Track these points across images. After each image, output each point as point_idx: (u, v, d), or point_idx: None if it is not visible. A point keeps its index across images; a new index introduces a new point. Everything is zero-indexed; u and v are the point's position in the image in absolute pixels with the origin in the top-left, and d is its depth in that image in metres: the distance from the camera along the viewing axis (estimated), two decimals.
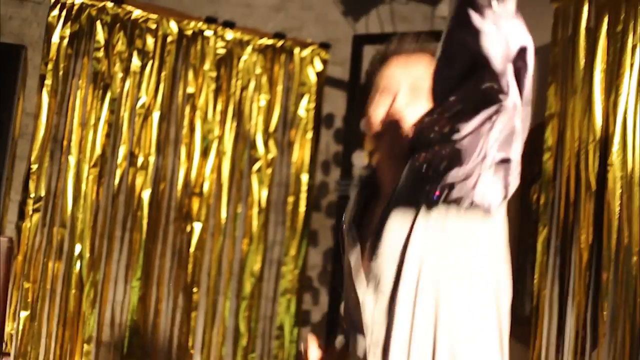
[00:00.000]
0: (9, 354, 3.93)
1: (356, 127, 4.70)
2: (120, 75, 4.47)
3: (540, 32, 4.23)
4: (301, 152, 4.88)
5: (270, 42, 4.83)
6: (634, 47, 3.80)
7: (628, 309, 3.70)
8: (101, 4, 4.44)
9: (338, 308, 4.54)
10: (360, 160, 4.73)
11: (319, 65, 4.91)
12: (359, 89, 4.72)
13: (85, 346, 4.33)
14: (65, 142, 4.36)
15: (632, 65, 3.80)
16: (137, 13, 4.53)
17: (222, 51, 4.72)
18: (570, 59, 4.01)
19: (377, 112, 2.29)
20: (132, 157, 4.51)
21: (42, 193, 4.26)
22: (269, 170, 4.80)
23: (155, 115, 4.55)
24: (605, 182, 3.84)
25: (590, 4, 4.01)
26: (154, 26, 4.56)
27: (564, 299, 3.89)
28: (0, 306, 3.74)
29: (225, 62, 4.74)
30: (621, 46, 3.83)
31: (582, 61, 3.99)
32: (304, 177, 4.86)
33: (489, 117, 2.02)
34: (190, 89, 4.65)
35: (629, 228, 3.74)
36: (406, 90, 2.24)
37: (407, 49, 2.31)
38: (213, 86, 4.69)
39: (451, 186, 2.09)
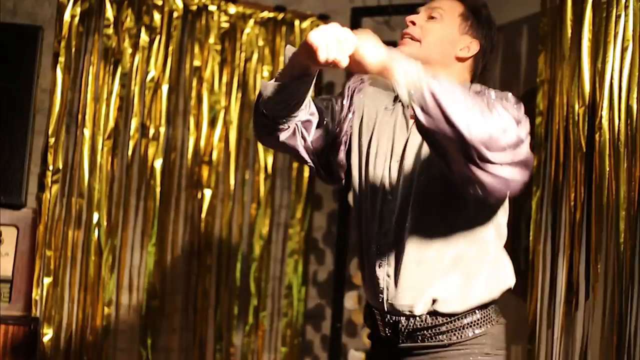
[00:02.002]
0: (37, 318, 4.15)
1: None
2: (129, 50, 4.67)
3: (529, 2, 4.45)
4: None
5: (271, 15, 5.01)
6: (617, 17, 3.98)
7: (618, 262, 3.93)
8: None
9: (343, 267, 4.80)
10: None
11: None
12: None
13: (106, 309, 4.57)
14: (80, 116, 4.56)
15: (616, 33, 3.98)
16: None
17: (225, 25, 4.90)
18: (558, 28, 4.21)
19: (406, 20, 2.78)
20: (143, 128, 4.71)
21: (60, 165, 4.48)
22: None
23: (164, 88, 4.75)
24: (594, 144, 4.05)
25: None
26: (160, 2, 4.74)
27: (556, 254, 4.12)
28: (27, 273, 3.97)
29: (229, 36, 4.92)
30: (607, 16, 4.01)
31: (569, 30, 4.19)
32: None
33: None
34: (197, 62, 4.84)
35: (616, 186, 3.95)
36: (423, 13, 2.77)
37: None
38: (218, 59, 4.88)
39: None
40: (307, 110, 2.66)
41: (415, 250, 2.66)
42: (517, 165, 2.40)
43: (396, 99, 2.77)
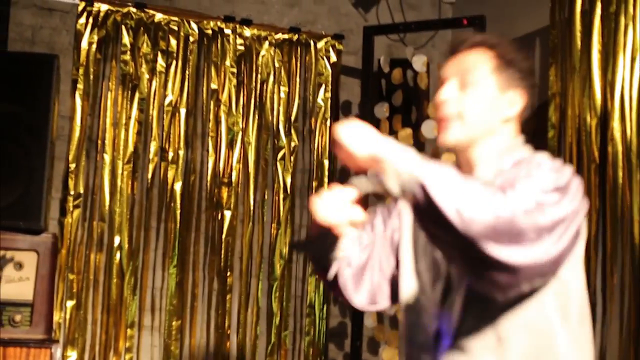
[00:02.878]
0: (58, 341, 4.21)
1: (370, 112, 4.97)
2: (147, 75, 4.75)
3: (539, 16, 4.48)
4: (322, 139, 5.12)
5: (286, 36, 5.08)
6: (626, 27, 4.00)
7: (634, 273, 3.92)
8: (125, 10, 4.72)
9: None
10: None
11: (333, 56, 5.15)
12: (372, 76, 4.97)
13: (129, 331, 4.63)
14: (99, 142, 4.65)
15: (625, 44, 4.01)
16: (159, 16, 4.80)
17: (241, 48, 4.97)
18: (568, 40, 4.23)
19: (435, 99, 2.43)
20: (162, 152, 4.78)
21: (81, 190, 4.58)
22: (292, 158, 5.05)
23: (182, 111, 4.82)
24: (607, 155, 4.06)
25: None
26: (175, 28, 4.83)
27: None
28: (47, 296, 4.04)
29: (245, 58, 4.99)
30: (615, 27, 4.04)
31: (579, 42, 4.21)
32: (326, 163, 5.11)
33: None
34: (214, 85, 4.90)
35: (630, 197, 3.96)
36: (455, 82, 2.39)
37: (463, 46, 2.43)
38: (235, 81, 4.94)
39: None
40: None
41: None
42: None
43: None
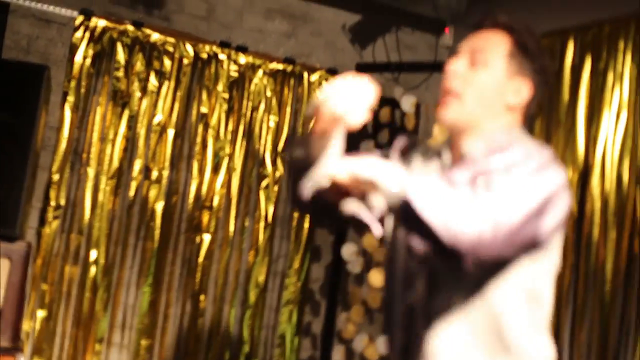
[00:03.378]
0: (22, 350, 4.21)
1: (355, 149, 4.97)
2: (138, 94, 4.77)
3: None
4: None
5: (280, 66, 5.11)
6: (613, 84, 4.04)
7: (602, 332, 3.93)
8: (122, 27, 4.75)
9: (333, 320, 4.83)
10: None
11: None
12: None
13: (97, 346, 4.63)
14: (85, 155, 4.67)
15: (611, 101, 4.04)
16: (155, 36, 4.82)
17: (234, 74, 4.99)
18: (555, 94, 4.26)
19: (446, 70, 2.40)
20: (147, 170, 4.80)
21: (62, 202, 4.59)
22: (276, 187, 5.06)
23: (170, 132, 4.84)
24: (585, 210, 4.08)
25: (575, 41, 4.25)
26: (171, 49, 4.85)
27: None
28: (17, 304, 4.04)
29: (238, 85, 5.01)
30: (603, 82, 4.08)
31: (566, 96, 4.24)
32: None
33: None
34: (204, 109, 4.92)
35: (604, 255, 3.97)
36: (466, 57, 2.37)
37: (486, 23, 2.41)
38: (225, 107, 4.96)
39: None
40: None
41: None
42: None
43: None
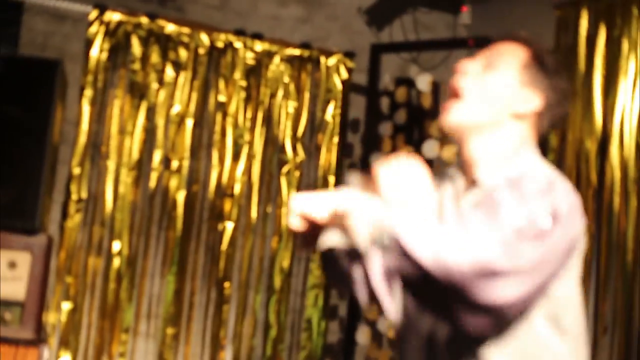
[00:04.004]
0: (46, 342, 4.25)
1: (375, 131, 4.98)
2: (155, 85, 4.80)
3: (543, 40, 4.46)
4: (328, 156, 5.12)
5: (297, 52, 5.09)
6: (629, 52, 4.00)
7: (626, 301, 3.89)
8: (137, 20, 4.77)
9: (357, 301, 4.81)
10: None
11: (344, 73, 5.16)
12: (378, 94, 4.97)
13: (123, 336, 4.66)
14: (104, 148, 4.70)
15: (627, 69, 4.00)
16: (170, 28, 4.84)
17: (251, 61, 5.00)
18: (571, 64, 4.22)
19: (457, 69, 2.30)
20: (167, 161, 4.82)
21: (84, 195, 4.63)
22: (297, 173, 5.06)
23: (189, 122, 4.86)
24: (605, 180, 4.04)
25: (589, 11, 4.21)
26: (186, 39, 4.87)
27: None
28: (39, 297, 4.08)
29: (255, 72, 5.01)
30: (618, 51, 4.04)
31: (582, 66, 4.20)
32: (331, 179, 5.11)
33: None
34: (222, 98, 4.93)
35: (625, 224, 3.93)
36: (481, 61, 2.29)
37: (507, 37, 2.33)
38: (243, 94, 4.96)
39: None
40: None
41: None
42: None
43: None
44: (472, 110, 2.22)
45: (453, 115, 2.23)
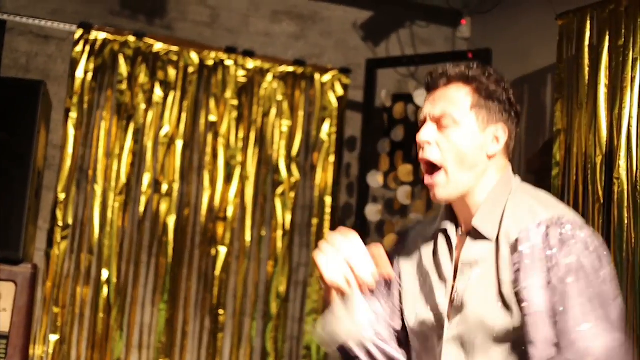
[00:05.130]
0: None
1: (373, 148, 4.82)
2: (143, 106, 4.64)
3: (546, 51, 4.31)
4: (324, 175, 4.96)
5: (290, 69, 4.94)
6: (634, 60, 3.83)
7: (637, 319, 3.72)
8: (123, 39, 4.61)
9: None
10: (375, 180, 4.79)
11: (339, 90, 5.00)
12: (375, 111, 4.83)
13: None
14: (91, 172, 4.54)
15: (633, 78, 3.84)
16: (158, 46, 4.69)
17: (243, 79, 4.84)
18: (575, 75, 4.06)
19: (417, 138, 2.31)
20: (156, 184, 4.65)
21: (70, 221, 4.45)
22: (292, 194, 4.89)
23: (179, 143, 4.69)
24: (612, 194, 3.87)
25: (592, 20, 4.06)
26: (175, 58, 4.71)
27: None
28: (24, 329, 3.90)
29: (247, 90, 4.86)
30: (623, 60, 3.87)
31: (586, 77, 4.04)
32: (328, 200, 4.95)
33: None
34: (213, 117, 4.77)
35: (635, 239, 3.76)
36: (433, 123, 2.27)
37: (440, 81, 2.30)
38: (235, 114, 4.80)
39: None
40: None
41: None
42: None
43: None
44: (457, 177, 2.24)
45: (442, 191, 2.25)
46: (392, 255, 2.45)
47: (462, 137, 2.22)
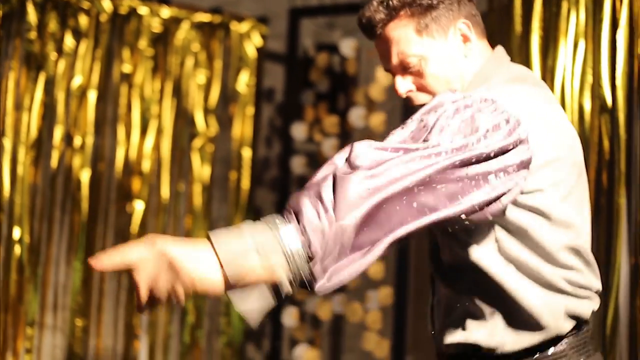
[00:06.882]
0: None
1: (295, 99, 4.71)
2: (53, 56, 4.40)
3: (481, 1, 4.25)
4: (242, 128, 4.85)
5: (207, 17, 4.77)
6: (569, 11, 3.80)
7: None
8: None
9: None
10: (299, 132, 4.69)
11: (257, 40, 4.87)
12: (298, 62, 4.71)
13: (28, 330, 4.27)
14: (0, 126, 4.29)
15: (567, 29, 3.80)
16: None
17: (158, 29, 4.66)
18: (506, 25, 4.01)
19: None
20: (69, 138, 4.46)
21: None
22: (210, 147, 4.76)
23: (92, 95, 4.49)
24: None
25: None
26: (87, 5, 4.49)
27: None
28: None
29: (162, 40, 4.68)
30: (557, 10, 3.84)
31: (518, 27, 3.99)
32: (246, 152, 4.83)
33: None
34: (127, 68, 4.58)
35: None
36: (400, 75, 2.16)
37: (375, 31, 2.15)
38: (150, 64, 4.63)
39: None
40: None
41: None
42: None
43: None
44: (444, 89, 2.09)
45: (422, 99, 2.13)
46: None
47: (435, 65, 2.11)
